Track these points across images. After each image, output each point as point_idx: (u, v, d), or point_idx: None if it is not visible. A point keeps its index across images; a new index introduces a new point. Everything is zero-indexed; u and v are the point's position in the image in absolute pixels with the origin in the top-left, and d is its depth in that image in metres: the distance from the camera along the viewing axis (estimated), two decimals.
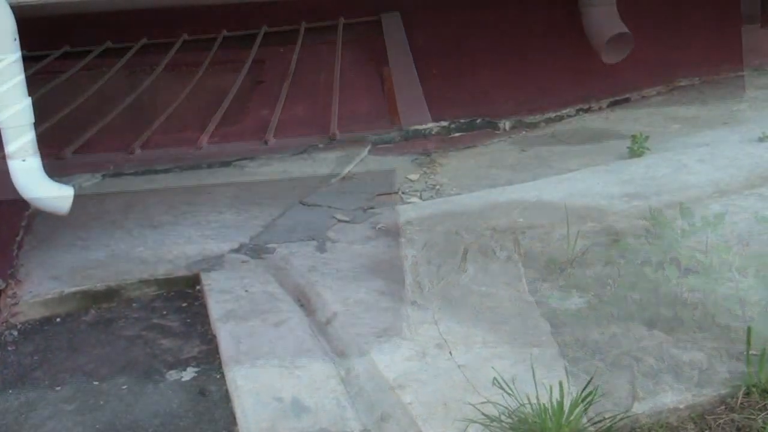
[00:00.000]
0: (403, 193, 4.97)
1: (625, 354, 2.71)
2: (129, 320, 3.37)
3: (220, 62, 5.71)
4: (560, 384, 2.12)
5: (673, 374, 2.56)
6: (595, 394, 2.12)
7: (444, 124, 6.10)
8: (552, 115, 6.35)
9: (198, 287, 3.65)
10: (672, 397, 2.40)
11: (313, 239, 4.00)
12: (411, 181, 5.24)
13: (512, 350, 2.76)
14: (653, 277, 3.36)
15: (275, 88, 5.52)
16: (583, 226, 4.03)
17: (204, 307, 3.42)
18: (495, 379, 2.36)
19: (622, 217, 4.12)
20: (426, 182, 5.21)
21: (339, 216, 4.46)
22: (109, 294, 3.54)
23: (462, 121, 6.14)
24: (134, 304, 3.52)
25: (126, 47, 6.14)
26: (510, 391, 2.26)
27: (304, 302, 3.37)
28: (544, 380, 2.39)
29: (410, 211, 4.52)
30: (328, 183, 5.12)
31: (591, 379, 2.22)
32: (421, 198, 4.90)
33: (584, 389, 2.16)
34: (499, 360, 2.67)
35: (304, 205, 4.74)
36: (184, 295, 3.62)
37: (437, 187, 5.11)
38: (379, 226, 4.27)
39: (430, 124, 6.06)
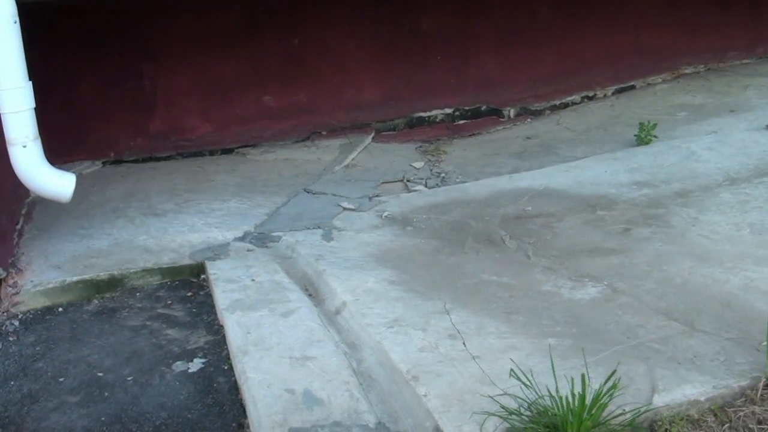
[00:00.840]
0: (408, 180, 4.95)
1: (642, 345, 2.63)
2: (133, 310, 3.28)
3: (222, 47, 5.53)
4: (582, 377, 2.04)
5: (692, 365, 2.48)
6: (616, 388, 2.03)
7: (448, 111, 6.06)
8: (557, 102, 6.29)
9: (203, 276, 3.56)
10: (692, 390, 2.32)
11: (319, 227, 3.99)
12: (416, 168, 5.20)
13: (527, 341, 2.68)
14: (667, 267, 3.28)
15: (280, 73, 5.44)
16: (593, 215, 3.99)
17: (209, 296, 3.33)
18: (512, 370, 2.28)
19: (632, 205, 4.06)
20: (431, 170, 5.16)
21: (344, 204, 4.42)
22: (112, 283, 3.45)
23: (466, 108, 6.09)
24: (138, 294, 3.43)
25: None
26: (528, 383, 2.18)
27: (312, 292, 3.27)
28: (561, 372, 2.30)
29: (416, 199, 4.48)
30: (332, 170, 5.12)
31: (613, 373, 2.13)
32: (426, 186, 4.86)
33: (606, 382, 2.08)
34: (514, 351, 2.59)
35: (308, 193, 4.70)
36: (188, 285, 3.53)
37: (442, 174, 5.07)
38: (385, 214, 4.22)
39: (435, 111, 6.00)
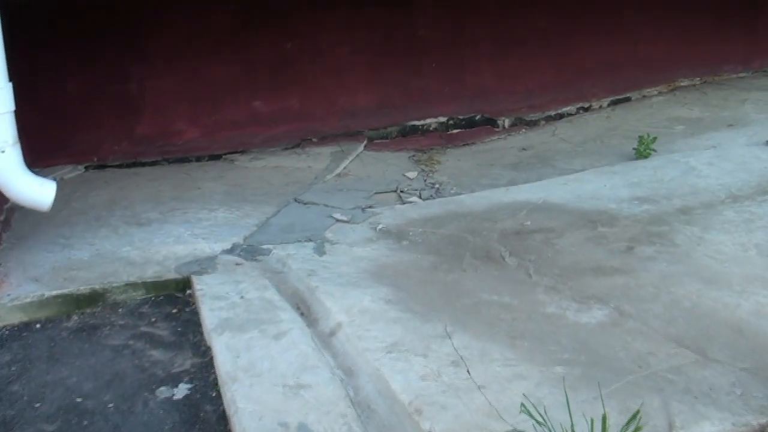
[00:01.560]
0: (401, 191, 4.80)
1: (655, 375, 2.48)
2: (115, 327, 3.07)
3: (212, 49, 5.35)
4: (603, 419, 1.87)
5: (708, 399, 2.33)
6: (640, 430, 1.86)
7: (442, 119, 5.94)
8: (552, 113, 6.18)
9: (189, 291, 3.37)
10: (711, 427, 2.17)
11: (311, 240, 3.81)
12: (409, 179, 5.06)
13: (534, 369, 2.51)
14: (674, 289, 3.13)
15: (271, 77, 5.31)
16: (594, 231, 3.84)
17: (196, 314, 3.14)
18: (523, 405, 2.10)
19: (634, 222, 3.92)
20: (425, 180, 5.02)
21: (337, 215, 4.25)
22: (94, 298, 3.25)
23: (461, 117, 5.97)
24: (120, 309, 3.23)
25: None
26: (542, 420, 2.00)
27: (305, 310, 3.09)
28: (574, 405, 2.14)
29: (411, 211, 4.31)
30: (323, 179, 4.97)
31: (637, 413, 1.96)
32: (420, 197, 4.71)
33: (629, 423, 1.91)
34: (521, 380, 2.42)
35: (299, 203, 4.53)
36: (174, 300, 3.34)
37: (437, 185, 4.93)
38: (379, 227, 4.05)
39: (429, 120, 5.88)
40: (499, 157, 5.48)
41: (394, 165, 5.24)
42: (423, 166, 5.34)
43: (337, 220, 4.14)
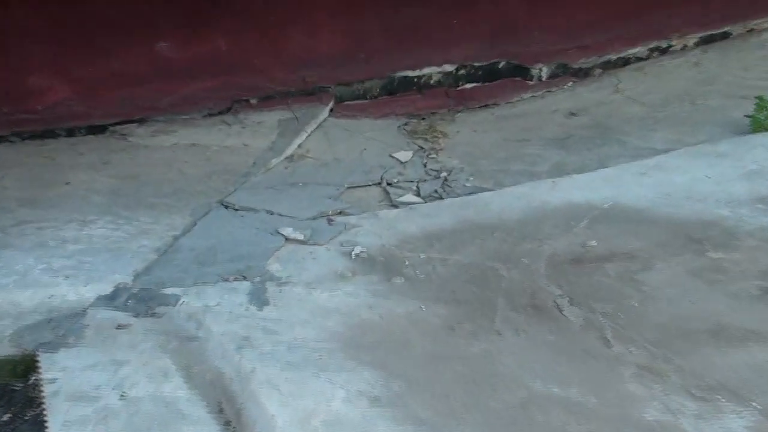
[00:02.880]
0: (389, 184, 4.51)
1: None
2: None
3: None
4: None
5: None
6: None
7: (449, 68, 5.62)
8: (612, 56, 5.90)
9: (34, 379, 2.86)
10: None
11: (245, 278, 3.41)
12: (400, 163, 4.77)
13: None
14: None
15: (185, 5, 5.06)
16: (702, 259, 3.44)
17: (42, 426, 2.58)
18: None
19: (766, 241, 3.49)
20: (425, 166, 4.71)
21: (287, 231, 3.82)
22: None
23: (477, 64, 5.67)
24: None
25: None
26: None
27: (233, 418, 2.60)
28: None
29: (406, 221, 3.96)
30: (266, 166, 4.64)
31: None
32: (419, 194, 4.39)
33: None
34: None
35: (227, 208, 4.15)
36: (5, 397, 2.83)
37: (443, 174, 4.61)
38: (356, 250, 3.65)
39: (429, 69, 5.56)
40: (536, 126, 5.19)
41: (377, 141, 5.03)
42: (421, 142, 5.03)
43: (288, 239, 3.75)
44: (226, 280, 3.40)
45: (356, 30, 5.46)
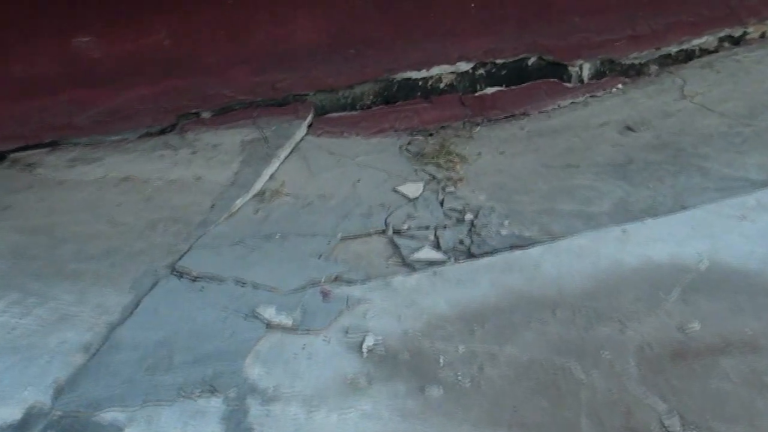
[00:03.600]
0: (397, 232, 4.24)
1: None
2: None
3: None
4: None
5: None
6: None
7: (464, 67, 5.42)
8: (673, 49, 5.69)
9: None
10: None
11: (215, 391, 3.14)
12: (409, 199, 4.54)
13: None
14: None
15: None
16: None
17: None
18: None
19: None
20: (442, 203, 4.49)
21: (268, 313, 3.55)
22: None
23: (499, 61, 5.46)
24: None
25: None
26: None
27: None
28: None
29: (431, 291, 3.71)
30: (228, 209, 4.41)
31: None
32: (439, 246, 4.11)
33: None
34: None
35: (181, 277, 3.89)
36: None
37: (468, 216, 4.36)
38: (368, 342, 3.39)
39: (438, 69, 5.32)
40: (583, 146, 4.91)
41: (374, 168, 4.81)
42: (432, 169, 4.80)
43: (270, 325, 3.49)
44: (189, 396, 3.12)
45: (343, 14, 5.33)
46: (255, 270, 3.83)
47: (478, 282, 3.73)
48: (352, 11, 5.27)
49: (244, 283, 3.72)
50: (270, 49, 5.14)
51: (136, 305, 3.59)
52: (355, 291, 3.67)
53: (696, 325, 3.31)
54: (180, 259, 3.92)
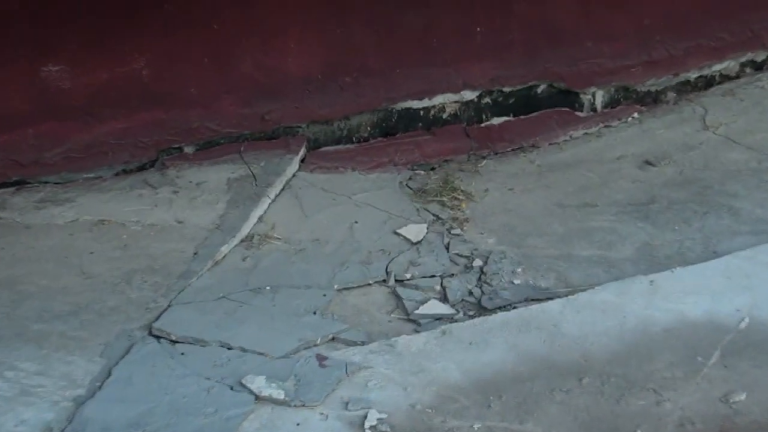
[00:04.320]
0: (399, 281, 4.08)
1: None
2: None
3: None
4: None
5: None
6: None
7: (469, 95, 5.35)
8: (692, 75, 5.63)
9: None
10: None
11: None
12: (411, 243, 4.37)
13: None
14: None
15: (89, 11, 4.72)
16: None
17: None
18: None
19: None
20: (448, 248, 4.32)
21: (257, 383, 3.27)
22: None
23: (507, 89, 5.37)
24: None
25: None
26: None
27: None
28: None
29: (440, 355, 3.46)
30: (212, 257, 4.21)
31: None
32: (446, 298, 3.93)
33: None
34: None
35: (159, 339, 3.62)
36: None
37: (477, 262, 4.17)
38: (371, 418, 3.10)
39: (441, 97, 5.24)
40: (599, 182, 4.83)
41: (372, 207, 4.68)
42: (435, 208, 4.68)
43: (259, 399, 3.21)
44: None
45: (338, 39, 5.17)
46: (242, 330, 3.59)
47: (493, 343, 3.47)
48: (348, 36, 5.15)
49: (230, 347, 3.47)
50: (259, 77, 5.03)
51: (108, 374, 3.33)
52: (355, 355, 3.41)
53: (742, 396, 3.06)
54: (158, 318, 3.64)
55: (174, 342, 3.52)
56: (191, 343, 3.53)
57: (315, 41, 5.08)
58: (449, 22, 5.22)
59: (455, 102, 5.26)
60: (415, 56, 5.17)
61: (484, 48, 5.27)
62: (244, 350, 3.44)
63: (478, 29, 5.20)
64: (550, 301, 3.74)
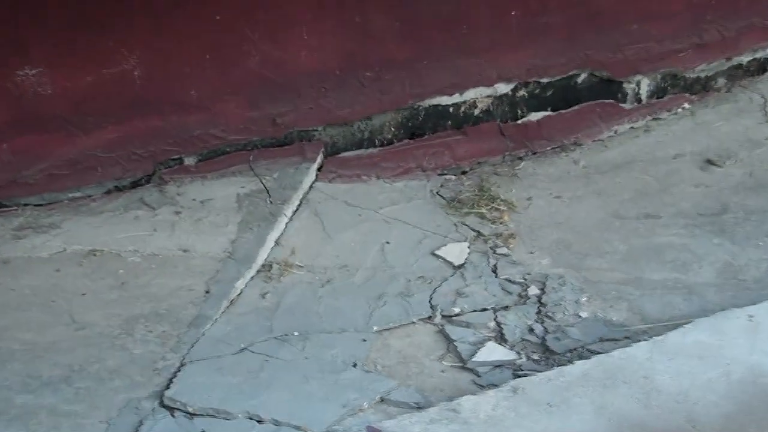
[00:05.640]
0: (446, 316, 3.60)
1: None
2: None
3: None
4: None
5: None
6: None
7: (504, 89, 4.87)
8: (745, 59, 5.19)
9: None
10: None
11: None
12: (453, 266, 3.91)
13: None
14: None
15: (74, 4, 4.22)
16: None
17: None
18: None
19: None
20: (495, 271, 3.86)
21: None
22: None
23: (545, 80, 4.95)
24: None
25: None
26: None
27: None
28: None
29: (516, 425, 3.00)
30: (227, 297, 3.72)
31: None
32: (503, 338, 3.44)
33: None
34: None
35: (172, 412, 3.06)
36: None
37: (530, 287, 3.73)
38: None
39: (473, 92, 4.80)
40: (658, 186, 4.42)
41: (403, 222, 4.24)
42: (474, 221, 4.24)
43: None
44: None
45: (357, 30, 4.65)
46: (272, 395, 3.04)
47: (576, 405, 2.93)
48: (368, 26, 4.64)
49: (260, 420, 2.93)
50: (268, 75, 4.52)
51: None
52: (414, 425, 2.84)
53: None
54: (170, 383, 3.05)
55: (192, 415, 2.95)
56: (213, 416, 2.94)
57: (331, 33, 4.57)
58: (481, 5, 4.69)
59: (488, 96, 4.80)
60: (443, 45, 4.68)
61: (519, 34, 4.77)
62: (277, 423, 2.91)
63: (513, 12, 4.67)
64: (633, 345, 3.21)
